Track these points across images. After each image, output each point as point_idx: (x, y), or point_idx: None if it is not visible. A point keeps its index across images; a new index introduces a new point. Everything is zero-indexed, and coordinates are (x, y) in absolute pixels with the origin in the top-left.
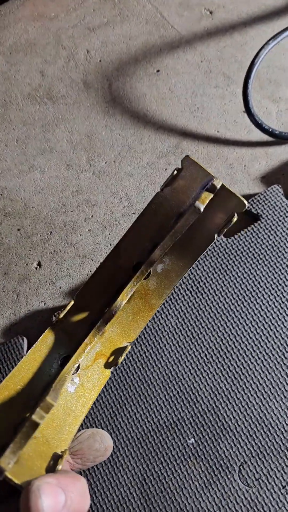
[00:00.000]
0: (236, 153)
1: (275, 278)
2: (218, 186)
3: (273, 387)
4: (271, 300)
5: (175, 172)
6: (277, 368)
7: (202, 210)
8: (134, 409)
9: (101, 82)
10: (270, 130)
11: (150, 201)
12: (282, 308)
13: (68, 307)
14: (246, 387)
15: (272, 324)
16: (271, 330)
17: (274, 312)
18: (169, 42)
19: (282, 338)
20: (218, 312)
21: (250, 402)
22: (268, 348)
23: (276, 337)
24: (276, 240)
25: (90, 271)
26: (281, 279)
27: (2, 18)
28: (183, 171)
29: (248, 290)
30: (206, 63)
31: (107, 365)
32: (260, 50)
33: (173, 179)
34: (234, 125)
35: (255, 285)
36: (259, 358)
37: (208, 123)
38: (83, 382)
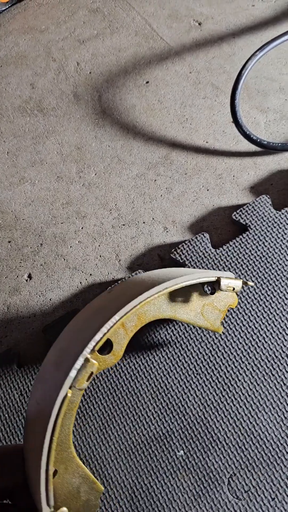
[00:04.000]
0: (225, 164)
1: (263, 288)
2: None
3: (262, 399)
4: (259, 310)
5: None
6: (265, 379)
7: None
8: (123, 421)
9: (91, 94)
10: (258, 140)
11: None
12: (270, 318)
13: None
14: (235, 399)
15: (261, 334)
16: (260, 341)
17: (263, 323)
18: (158, 53)
19: (271, 349)
20: None
21: (239, 413)
22: (256, 359)
23: (265, 348)
24: (264, 251)
25: (80, 282)
26: (269, 289)
27: None
28: None
29: None
30: (195, 74)
31: None
32: (247, 61)
33: None
34: (222, 135)
35: (243, 296)
36: (248, 370)
37: (197, 133)
38: None
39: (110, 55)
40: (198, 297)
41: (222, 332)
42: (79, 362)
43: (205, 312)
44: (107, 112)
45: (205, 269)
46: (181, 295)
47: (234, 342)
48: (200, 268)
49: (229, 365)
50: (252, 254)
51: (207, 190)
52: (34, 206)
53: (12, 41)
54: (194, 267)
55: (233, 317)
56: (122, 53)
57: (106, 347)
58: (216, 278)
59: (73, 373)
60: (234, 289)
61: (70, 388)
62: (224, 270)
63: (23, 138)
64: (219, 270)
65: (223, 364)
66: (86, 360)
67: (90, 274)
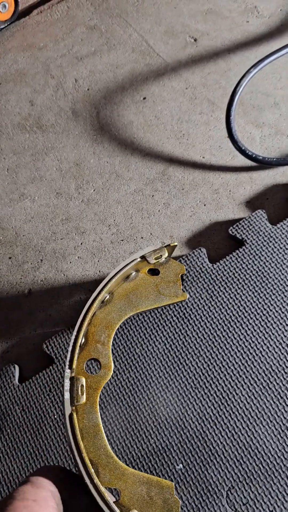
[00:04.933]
0: (222, 179)
1: (259, 302)
2: None
3: (259, 412)
4: (256, 324)
5: None
6: (263, 393)
7: None
8: (122, 435)
9: (89, 110)
10: (254, 156)
11: None
12: (266, 332)
13: None
14: (233, 412)
15: (258, 348)
16: (257, 354)
17: (260, 337)
18: (155, 69)
19: (268, 363)
20: (205, 338)
21: (237, 427)
22: (254, 373)
23: (262, 362)
24: (261, 265)
25: (80, 298)
26: (265, 303)
27: None
28: None
29: (233, 315)
30: (191, 89)
31: None
32: (242, 78)
33: None
34: (219, 150)
35: (240, 310)
36: (245, 383)
37: (193, 149)
38: None
39: (108, 72)
40: (146, 282)
41: (220, 346)
42: (66, 384)
43: (162, 291)
44: (105, 128)
45: (203, 284)
46: (132, 288)
47: (232, 356)
48: (198, 284)
49: (226, 379)
50: (248, 269)
51: (204, 205)
52: (34, 222)
53: (11, 58)
54: (191, 282)
55: (230, 331)
56: (120, 70)
57: (97, 366)
58: (141, 258)
59: (66, 395)
60: (162, 256)
61: (72, 406)
62: (221, 285)
63: (22, 155)
64: (217, 285)
65: (221, 378)
66: (71, 379)
67: (89, 290)
